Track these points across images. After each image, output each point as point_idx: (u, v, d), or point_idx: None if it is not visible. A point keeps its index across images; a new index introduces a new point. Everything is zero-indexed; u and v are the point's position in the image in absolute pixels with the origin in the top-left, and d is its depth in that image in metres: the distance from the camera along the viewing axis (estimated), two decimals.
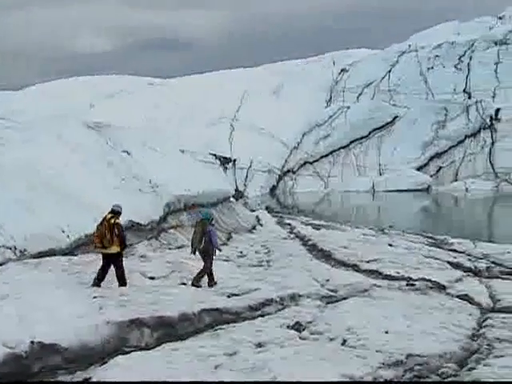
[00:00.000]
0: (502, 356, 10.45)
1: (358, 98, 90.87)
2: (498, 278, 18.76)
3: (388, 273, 18.04)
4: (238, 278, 15.95)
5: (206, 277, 14.86)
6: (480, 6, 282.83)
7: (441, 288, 16.28)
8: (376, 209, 63.62)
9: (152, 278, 15.30)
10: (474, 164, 78.69)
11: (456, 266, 20.59)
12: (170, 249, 21.13)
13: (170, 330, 11.17)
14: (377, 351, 10.32)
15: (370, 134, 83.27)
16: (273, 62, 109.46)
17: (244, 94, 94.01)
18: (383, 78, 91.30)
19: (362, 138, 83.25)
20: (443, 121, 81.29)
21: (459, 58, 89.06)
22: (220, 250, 15.57)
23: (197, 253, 14.91)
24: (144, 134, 32.42)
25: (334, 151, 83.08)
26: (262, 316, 12.67)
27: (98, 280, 13.44)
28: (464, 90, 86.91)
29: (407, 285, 16.35)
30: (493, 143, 78.66)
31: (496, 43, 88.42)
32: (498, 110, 79.55)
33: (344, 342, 10.93)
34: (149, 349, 10.34)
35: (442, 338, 11.26)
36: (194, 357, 9.80)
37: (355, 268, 19.17)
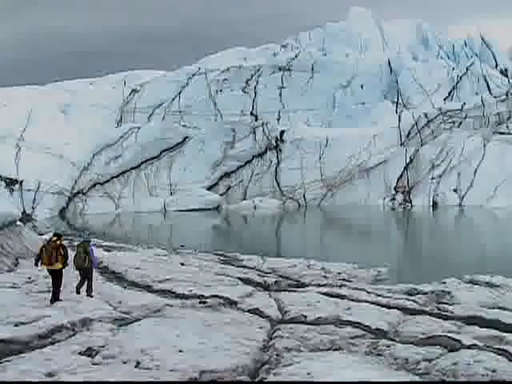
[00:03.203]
0: (290, 364, 10.95)
1: (148, 118, 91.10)
2: (285, 290, 19.68)
3: (181, 292, 18.18)
4: (26, 306, 15.22)
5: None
6: (264, 34, 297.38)
7: (232, 304, 16.71)
8: (168, 228, 63.94)
9: None
10: (261, 183, 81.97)
11: (246, 281, 21.25)
12: None
13: None
14: (171, 370, 10.35)
15: (160, 154, 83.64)
16: (60, 81, 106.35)
17: (31, 112, 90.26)
18: (173, 99, 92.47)
19: (152, 158, 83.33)
20: (232, 141, 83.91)
21: (246, 82, 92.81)
22: (98, 268, 17.86)
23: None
24: None
25: (125, 172, 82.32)
26: (53, 344, 12.19)
27: (54, 295, 15.96)
28: (251, 113, 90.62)
29: (200, 302, 16.59)
30: (278, 163, 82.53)
31: (280, 69, 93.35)
32: (282, 132, 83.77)
33: (138, 364, 10.82)
34: None
35: (235, 352, 11.55)
36: None
37: (148, 288, 19.09)
